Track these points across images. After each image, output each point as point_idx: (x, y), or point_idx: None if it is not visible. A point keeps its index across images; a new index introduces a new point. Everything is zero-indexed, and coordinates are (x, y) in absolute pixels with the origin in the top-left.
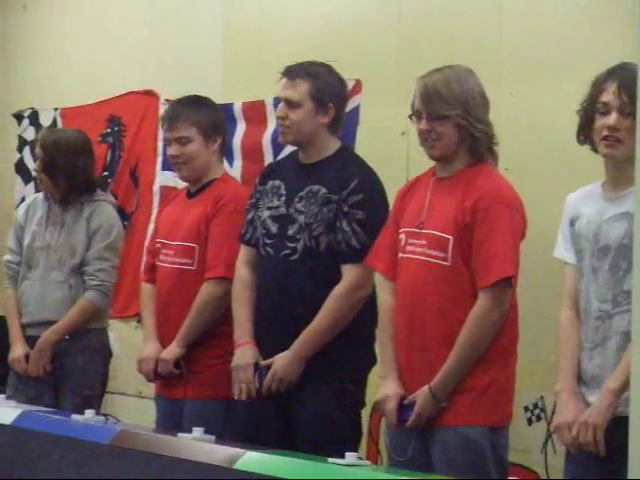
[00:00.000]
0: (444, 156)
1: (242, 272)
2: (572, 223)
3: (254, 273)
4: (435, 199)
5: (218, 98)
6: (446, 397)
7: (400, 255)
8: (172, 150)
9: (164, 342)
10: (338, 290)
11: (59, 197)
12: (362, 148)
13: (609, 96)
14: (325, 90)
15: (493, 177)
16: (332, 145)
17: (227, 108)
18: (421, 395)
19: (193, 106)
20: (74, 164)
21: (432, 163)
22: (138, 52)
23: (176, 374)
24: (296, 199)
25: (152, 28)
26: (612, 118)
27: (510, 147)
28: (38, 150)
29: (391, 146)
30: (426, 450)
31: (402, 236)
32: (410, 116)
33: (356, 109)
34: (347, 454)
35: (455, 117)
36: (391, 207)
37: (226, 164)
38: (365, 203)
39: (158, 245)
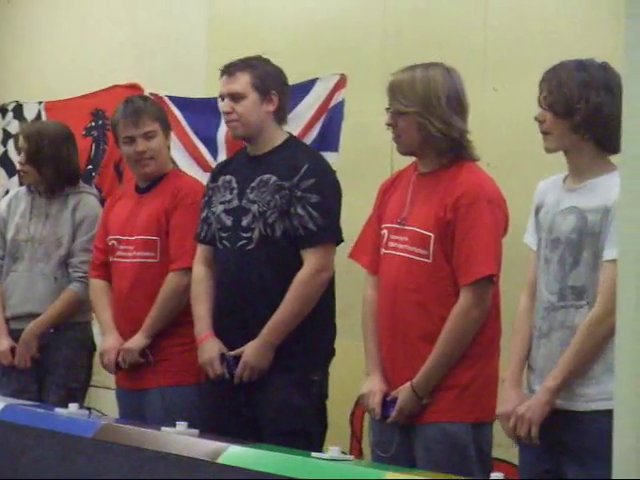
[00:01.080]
0: (409, 152)
1: (197, 269)
2: (537, 211)
3: (210, 270)
4: (417, 195)
5: (202, 92)
6: (428, 394)
7: (382, 251)
8: (139, 146)
9: (125, 336)
10: (302, 275)
11: (45, 188)
12: (347, 142)
13: (539, 93)
14: (266, 79)
15: (475, 174)
16: (279, 136)
17: (211, 101)
18: (403, 392)
19: (148, 101)
20: (59, 153)
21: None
22: (123, 46)
23: (142, 363)
24: (248, 190)
25: (136, 22)
26: (538, 112)
27: (494, 143)
28: (22, 142)
29: (376, 140)
30: (410, 446)
31: (384, 232)
32: (387, 109)
33: (341, 104)
34: (330, 448)
35: (414, 115)
36: (374, 202)
37: (211, 158)
38: (318, 186)
39: (113, 242)
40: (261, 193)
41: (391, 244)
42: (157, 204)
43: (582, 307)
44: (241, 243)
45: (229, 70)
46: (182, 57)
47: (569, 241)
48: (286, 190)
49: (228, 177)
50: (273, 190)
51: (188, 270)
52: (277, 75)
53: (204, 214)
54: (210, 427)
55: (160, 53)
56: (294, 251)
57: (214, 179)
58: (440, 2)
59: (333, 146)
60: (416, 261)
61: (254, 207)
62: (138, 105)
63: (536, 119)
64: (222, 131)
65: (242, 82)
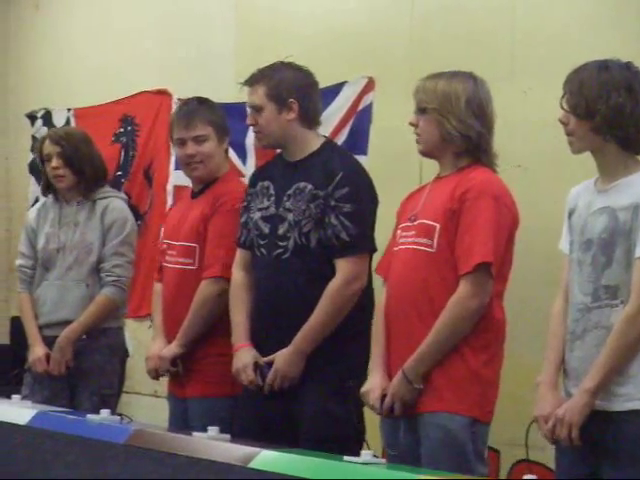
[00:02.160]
0: (429, 152)
1: (236, 275)
2: (570, 215)
3: (249, 275)
4: (431, 195)
5: (231, 97)
6: (419, 379)
7: (394, 249)
8: (189, 149)
9: (171, 341)
10: (334, 284)
11: (83, 188)
12: (375, 146)
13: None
14: (280, 87)
15: (486, 173)
16: (314, 140)
17: (240, 106)
18: (395, 379)
19: (205, 105)
20: (93, 152)
21: None
22: (151, 51)
23: (173, 372)
24: (284, 198)
25: (164, 27)
26: (561, 114)
27: (522, 145)
28: (51, 147)
29: (405, 144)
30: (416, 442)
31: (398, 231)
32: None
33: (369, 106)
34: (363, 452)
35: (433, 111)
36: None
37: (239, 162)
38: (351, 195)
39: (164, 246)
40: (297, 202)
41: (401, 240)
42: (200, 210)
43: (617, 306)
44: (277, 252)
45: (250, 81)
46: (210, 62)
47: (601, 241)
48: (321, 199)
49: (266, 183)
50: (308, 199)
51: (219, 278)
52: (294, 81)
53: (243, 219)
54: (241, 435)
55: (188, 58)
56: (328, 260)
57: (253, 184)
58: (467, 5)
59: (362, 149)
60: (421, 251)
61: (290, 216)
62: (191, 108)
63: (560, 121)
64: (251, 136)
65: (259, 94)
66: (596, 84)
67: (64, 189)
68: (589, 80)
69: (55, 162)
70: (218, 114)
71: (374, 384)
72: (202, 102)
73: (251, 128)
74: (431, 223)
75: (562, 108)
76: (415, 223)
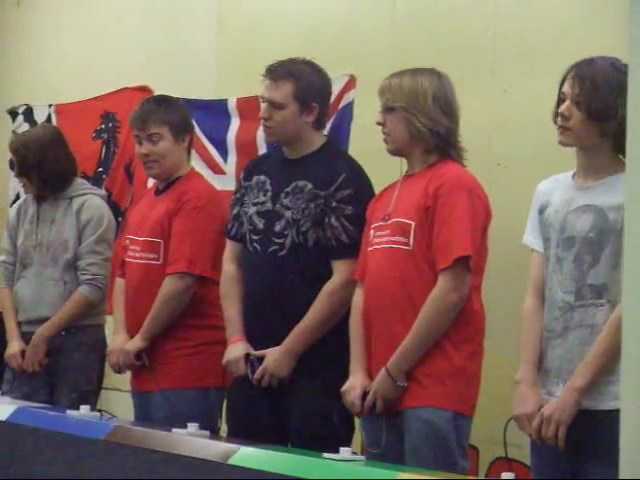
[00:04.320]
0: (398, 150)
1: (229, 268)
2: (541, 211)
3: (240, 269)
4: (402, 193)
5: (212, 94)
6: (402, 377)
7: (369, 249)
8: (142, 148)
9: (133, 335)
10: (330, 286)
11: (35, 195)
12: (356, 144)
13: (566, 86)
14: (309, 90)
15: (457, 168)
16: (317, 140)
17: (221, 104)
18: (377, 376)
19: (164, 104)
20: (43, 159)
21: None
22: (132, 48)
23: (137, 366)
24: (282, 195)
25: (146, 24)
26: (564, 106)
27: (503, 143)
28: (12, 155)
29: None
30: (400, 439)
31: (371, 232)
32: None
33: (350, 105)
34: (341, 449)
35: (400, 110)
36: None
37: (220, 159)
38: (353, 198)
39: (127, 241)
40: (296, 200)
41: (375, 240)
42: (164, 207)
43: (602, 305)
44: (273, 248)
45: (273, 75)
46: (192, 59)
47: (586, 240)
48: (321, 199)
49: (262, 177)
50: (308, 198)
51: (183, 274)
52: (320, 84)
53: (235, 211)
54: (235, 432)
55: (170, 55)
56: (325, 260)
57: (248, 177)
58: (449, 3)
59: (342, 147)
60: (396, 249)
61: (288, 213)
62: (147, 107)
63: (561, 114)
64: (232, 132)
65: (284, 91)
66: (611, 88)
67: (31, 193)
68: (604, 82)
69: (15, 171)
70: (177, 113)
71: (355, 382)
72: (160, 101)
73: (232, 122)
74: (406, 221)
75: (564, 100)
76: (389, 222)
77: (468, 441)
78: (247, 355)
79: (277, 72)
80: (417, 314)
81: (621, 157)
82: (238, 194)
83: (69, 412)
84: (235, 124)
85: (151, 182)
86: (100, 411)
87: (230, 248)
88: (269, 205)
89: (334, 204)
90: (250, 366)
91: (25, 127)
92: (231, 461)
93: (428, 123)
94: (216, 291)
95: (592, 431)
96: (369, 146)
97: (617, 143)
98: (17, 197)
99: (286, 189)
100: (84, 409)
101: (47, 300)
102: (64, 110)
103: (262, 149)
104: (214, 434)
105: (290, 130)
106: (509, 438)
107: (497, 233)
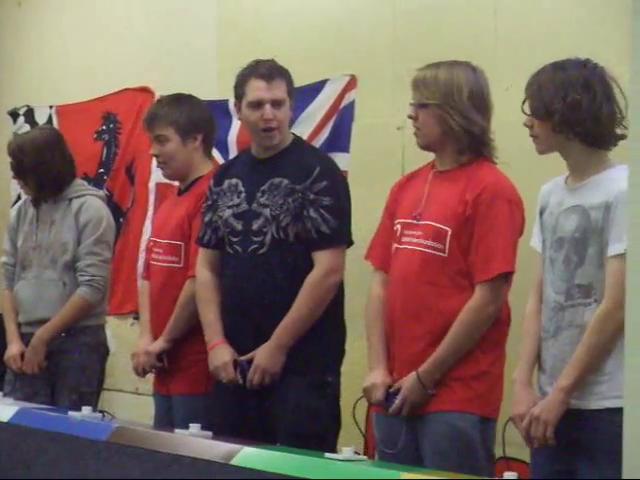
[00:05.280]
0: (428, 146)
1: (203, 275)
2: (541, 213)
3: (216, 275)
4: (433, 191)
5: (213, 94)
6: (433, 385)
7: (395, 246)
8: (152, 149)
9: (158, 338)
10: (313, 277)
11: (33, 197)
12: (358, 144)
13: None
14: (292, 85)
15: (495, 173)
16: (288, 137)
17: (222, 104)
18: (408, 380)
19: (172, 105)
20: (39, 162)
21: (428, 158)
22: (133, 49)
23: (159, 368)
24: (258, 194)
25: (147, 24)
26: (526, 117)
27: (504, 142)
28: (9, 158)
29: (387, 141)
30: (416, 442)
31: (397, 227)
32: (411, 104)
33: (351, 104)
34: (344, 449)
35: (434, 107)
36: (387, 200)
37: (222, 159)
38: (330, 189)
39: (151, 243)
40: (273, 196)
41: (405, 239)
42: (184, 208)
43: (590, 305)
44: (253, 247)
45: (270, 75)
46: (193, 60)
47: (573, 240)
48: (298, 193)
49: (234, 180)
50: (285, 193)
51: None
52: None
53: (207, 218)
54: (220, 432)
55: (171, 55)
56: (306, 253)
57: (218, 183)
58: (449, 2)
59: (344, 147)
60: (430, 254)
61: (266, 211)
62: (154, 109)
63: (525, 125)
64: (233, 133)
65: (282, 89)
66: (552, 84)
67: (29, 195)
68: (546, 81)
69: (13, 173)
70: (184, 113)
71: (377, 381)
72: (168, 102)
73: (233, 123)
74: (441, 227)
75: (523, 112)
76: (420, 223)
77: (494, 444)
78: (235, 360)
79: (271, 72)
80: (444, 320)
81: (605, 154)
82: (209, 201)
83: (71, 413)
84: (236, 124)
85: (153, 183)
86: (102, 412)
87: (203, 256)
88: (245, 206)
89: (312, 196)
90: (240, 371)
91: (26, 128)
92: (233, 461)
93: (462, 122)
94: None
95: (582, 431)
96: (370, 146)
97: (588, 141)
98: (18, 198)
99: (262, 187)
100: (86, 410)
101: (47, 301)
102: (65, 111)
103: None
104: (219, 435)
105: (286, 127)
106: (511, 437)
107: None
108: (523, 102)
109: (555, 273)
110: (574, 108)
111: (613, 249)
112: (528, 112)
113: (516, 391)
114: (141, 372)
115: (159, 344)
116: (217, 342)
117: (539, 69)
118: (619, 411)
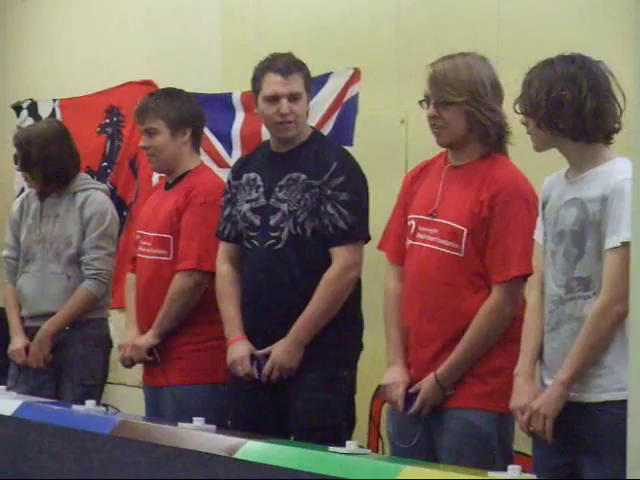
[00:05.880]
0: (452, 143)
1: (223, 268)
2: (543, 206)
3: (236, 269)
4: (448, 188)
5: (217, 87)
6: (451, 385)
7: (409, 242)
8: (142, 141)
9: (144, 331)
10: (331, 273)
11: (38, 190)
12: (361, 137)
13: None
14: (309, 79)
15: (509, 169)
16: (306, 131)
17: (226, 97)
18: (426, 383)
19: (163, 98)
20: (46, 154)
21: (431, 151)
22: (137, 42)
23: (149, 361)
24: (276, 188)
25: (151, 18)
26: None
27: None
28: (15, 150)
29: (390, 134)
30: (431, 438)
31: (412, 222)
32: (420, 102)
33: (355, 97)
34: (348, 442)
35: (462, 104)
36: (399, 192)
37: (225, 153)
38: (348, 184)
39: (138, 236)
40: (291, 192)
41: (420, 236)
42: (173, 202)
43: (590, 298)
44: (270, 242)
45: (286, 69)
46: (196, 53)
47: (573, 233)
48: (316, 188)
49: (252, 175)
50: (303, 188)
51: (193, 271)
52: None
53: (227, 212)
54: (235, 426)
55: (174, 49)
56: (323, 249)
57: (237, 176)
58: None
59: (347, 140)
60: (446, 254)
61: (284, 206)
62: (145, 101)
63: (522, 123)
64: (237, 126)
65: (299, 83)
66: (538, 81)
67: (34, 188)
68: (533, 78)
69: (18, 165)
70: (175, 107)
71: (396, 379)
72: (160, 95)
73: (237, 116)
74: (457, 226)
75: (515, 111)
76: (436, 220)
77: (512, 441)
78: (252, 355)
79: (288, 65)
80: (461, 321)
81: (602, 147)
82: (228, 194)
83: (75, 407)
84: (240, 118)
85: (156, 177)
86: (106, 405)
87: (223, 249)
88: (263, 200)
89: (329, 192)
90: (257, 365)
91: (29, 122)
92: (237, 455)
93: (491, 115)
94: None
95: (582, 424)
96: (374, 138)
97: (575, 135)
98: (22, 191)
99: (279, 182)
100: (90, 404)
101: (50, 295)
102: (68, 105)
103: None
104: (222, 428)
105: (303, 120)
106: (516, 430)
107: None
108: (515, 101)
109: (556, 266)
110: (557, 103)
111: (610, 242)
112: (518, 110)
113: (517, 384)
114: (129, 364)
115: (148, 339)
116: (236, 337)
117: (531, 68)
118: (619, 404)
